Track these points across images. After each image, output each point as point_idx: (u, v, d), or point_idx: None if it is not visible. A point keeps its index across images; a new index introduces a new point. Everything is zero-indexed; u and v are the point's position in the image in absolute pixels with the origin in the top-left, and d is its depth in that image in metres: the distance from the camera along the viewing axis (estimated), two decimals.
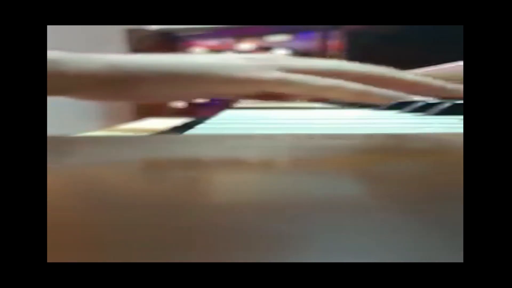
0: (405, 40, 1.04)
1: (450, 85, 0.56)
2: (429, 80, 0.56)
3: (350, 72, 0.55)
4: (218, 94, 0.57)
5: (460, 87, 0.54)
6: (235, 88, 0.55)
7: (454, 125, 0.38)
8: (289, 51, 2.02)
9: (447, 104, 0.48)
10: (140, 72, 0.55)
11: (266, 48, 2.04)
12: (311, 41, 2.01)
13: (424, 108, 0.52)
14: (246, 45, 2.06)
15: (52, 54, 0.54)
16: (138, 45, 1.96)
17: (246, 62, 0.55)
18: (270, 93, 0.55)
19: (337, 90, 0.54)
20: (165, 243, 0.09)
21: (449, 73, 0.64)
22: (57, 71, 0.53)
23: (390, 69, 0.57)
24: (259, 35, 2.05)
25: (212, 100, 0.60)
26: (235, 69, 0.55)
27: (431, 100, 0.54)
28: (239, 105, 0.78)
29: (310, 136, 0.29)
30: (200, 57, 0.58)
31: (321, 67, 0.55)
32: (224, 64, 0.55)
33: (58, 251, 0.08)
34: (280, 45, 2.04)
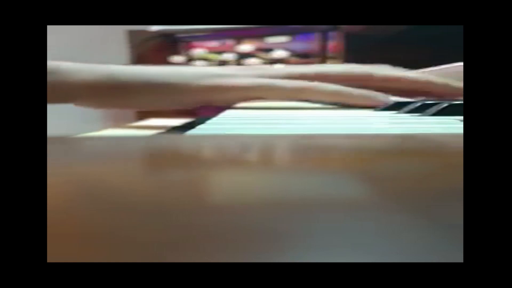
0: (404, 41, 1.04)
1: (455, 83, 0.57)
2: (431, 78, 0.57)
3: (328, 74, 0.59)
4: (201, 102, 0.61)
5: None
6: (221, 95, 0.61)
7: (453, 125, 0.38)
8: (289, 52, 2.02)
9: (445, 104, 0.48)
10: (135, 83, 0.60)
11: (265, 49, 2.04)
12: (310, 42, 2.01)
13: (422, 108, 0.52)
14: (246, 46, 2.06)
15: (57, 65, 0.58)
16: (139, 47, 1.96)
17: (224, 71, 0.62)
18: (254, 98, 0.59)
19: (310, 91, 0.57)
20: (165, 243, 0.09)
21: (449, 74, 0.64)
22: (63, 81, 0.57)
23: (376, 67, 0.59)
24: (259, 36, 2.05)
25: None
26: (221, 78, 0.60)
27: (429, 100, 0.54)
28: (239, 105, 0.78)
29: (310, 136, 0.29)
30: (186, 68, 0.66)
31: (298, 73, 0.60)
32: (205, 74, 0.61)
33: (58, 251, 0.08)
34: (279, 46, 2.04)
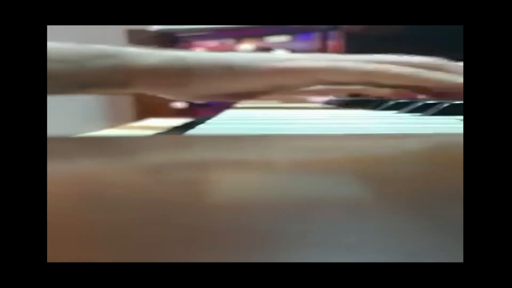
0: (404, 41, 1.04)
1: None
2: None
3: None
4: (272, 87, 0.57)
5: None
6: (293, 79, 0.55)
7: (453, 125, 0.38)
8: (289, 52, 2.02)
9: (445, 104, 0.48)
10: (202, 67, 0.55)
11: (266, 49, 2.04)
12: (311, 42, 2.01)
13: (423, 108, 0.52)
14: (246, 46, 2.06)
15: (118, 49, 0.54)
16: (139, 46, 1.96)
17: (292, 56, 0.57)
18: (325, 81, 0.56)
19: (382, 74, 0.54)
20: (165, 243, 0.09)
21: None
22: (117, 65, 0.53)
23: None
24: (259, 36, 2.05)
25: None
26: (289, 61, 0.55)
27: (429, 100, 0.54)
28: (239, 105, 0.78)
29: (310, 136, 0.29)
30: (251, 54, 0.59)
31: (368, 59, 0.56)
32: (276, 58, 0.56)
33: (58, 251, 0.08)
34: (280, 46, 2.04)
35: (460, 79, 0.53)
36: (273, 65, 0.55)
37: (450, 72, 0.55)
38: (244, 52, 0.60)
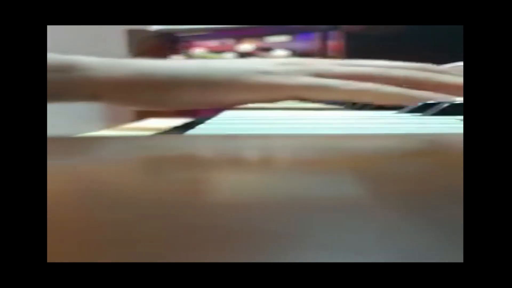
0: (404, 41, 1.04)
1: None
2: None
3: (390, 77, 0.54)
4: (244, 101, 0.56)
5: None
6: (262, 94, 0.54)
7: (453, 125, 0.38)
8: (289, 52, 2.02)
9: (445, 105, 0.48)
10: (171, 78, 0.53)
11: (266, 49, 2.04)
12: (311, 42, 2.01)
13: (423, 108, 0.52)
14: (246, 46, 2.06)
15: (79, 59, 0.53)
16: (138, 46, 1.96)
17: (274, 68, 0.54)
18: (299, 98, 0.55)
19: (371, 93, 0.53)
20: (165, 243, 0.09)
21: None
22: (86, 77, 0.52)
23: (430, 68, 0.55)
24: (259, 36, 2.05)
25: None
26: (262, 75, 0.54)
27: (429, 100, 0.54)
28: (238, 106, 0.78)
29: (310, 136, 0.29)
30: (227, 62, 0.57)
31: (357, 72, 0.54)
32: (251, 70, 0.54)
33: (58, 251, 0.08)
34: (280, 46, 2.04)
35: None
36: (247, 80, 0.53)
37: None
38: (224, 59, 0.57)
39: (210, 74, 0.54)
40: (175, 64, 0.55)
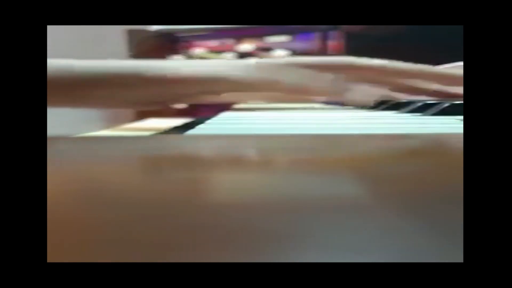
0: (404, 41, 1.04)
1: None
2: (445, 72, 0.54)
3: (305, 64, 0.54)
4: (181, 97, 0.56)
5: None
6: (181, 88, 0.54)
7: (453, 125, 0.38)
8: (289, 52, 2.02)
9: (445, 104, 0.48)
10: (89, 76, 0.53)
11: (266, 49, 2.04)
12: (311, 42, 2.01)
13: (423, 108, 0.52)
14: (246, 45, 2.06)
15: None
16: (138, 46, 1.96)
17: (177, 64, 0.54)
18: (206, 92, 0.54)
19: (269, 85, 0.53)
20: (165, 243, 0.09)
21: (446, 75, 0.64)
22: None
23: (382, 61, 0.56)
24: (259, 36, 2.05)
25: None
26: (189, 70, 0.54)
27: (430, 100, 0.54)
28: (239, 106, 0.78)
29: (310, 136, 0.29)
30: (160, 62, 0.57)
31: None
32: (173, 66, 0.55)
33: (58, 251, 0.08)
34: (279, 46, 2.04)
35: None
36: (166, 75, 0.53)
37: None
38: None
39: (126, 71, 0.54)
40: (95, 63, 0.54)
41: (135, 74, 0.53)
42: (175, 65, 0.55)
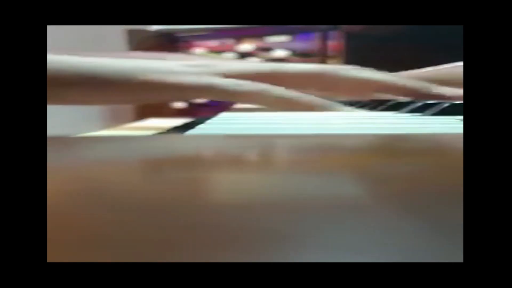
0: (404, 41, 1.04)
1: (420, 85, 0.55)
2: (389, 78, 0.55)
3: (289, 74, 0.54)
4: (148, 99, 0.55)
5: (444, 90, 0.54)
6: (157, 94, 0.54)
7: (453, 125, 0.38)
8: (289, 52, 2.02)
9: (445, 105, 0.48)
10: (60, 75, 0.52)
11: (266, 49, 2.04)
12: (311, 42, 2.01)
13: (423, 108, 0.52)
14: (246, 45, 2.06)
15: None
16: (138, 46, 1.96)
17: (180, 68, 0.55)
18: (195, 98, 0.54)
19: (260, 95, 0.52)
20: (165, 243, 0.09)
21: (448, 74, 0.64)
22: None
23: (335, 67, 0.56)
24: (259, 36, 2.05)
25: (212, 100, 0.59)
26: (167, 75, 0.54)
27: (430, 100, 0.54)
28: (239, 106, 0.78)
29: (310, 136, 0.29)
30: (130, 61, 0.56)
31: (258, 70, 0.54)
32: (153, 70, 0.54)
33: (58, 251, 0.08)
34: (280, 46, 2.04)
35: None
36: (143, 79, 0.52)
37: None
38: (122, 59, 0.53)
39: (96, 72, 0.53)
40: (70, 60, 0.53)
41: (120, 76, 0.53)
42: (158, 67, 0.54)
